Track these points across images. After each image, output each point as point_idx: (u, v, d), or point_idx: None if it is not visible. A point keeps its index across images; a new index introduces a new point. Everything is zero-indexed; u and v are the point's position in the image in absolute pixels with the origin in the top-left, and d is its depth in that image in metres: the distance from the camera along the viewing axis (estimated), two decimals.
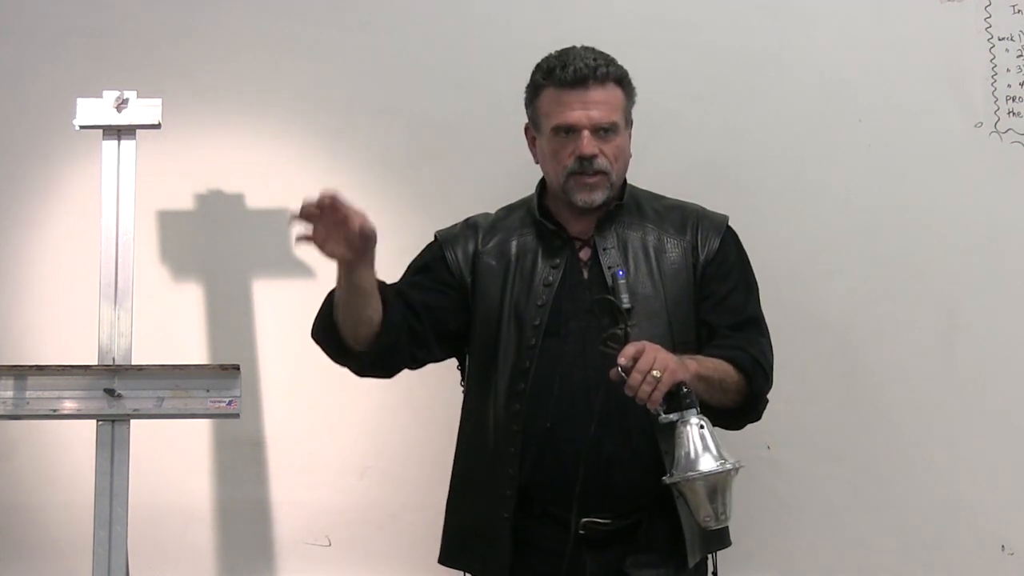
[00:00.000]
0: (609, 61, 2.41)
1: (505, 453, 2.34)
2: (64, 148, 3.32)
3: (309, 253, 3.37)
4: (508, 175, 3.22)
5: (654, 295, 2.37)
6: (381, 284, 2.33)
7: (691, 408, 2.13)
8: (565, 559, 2.28)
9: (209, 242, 3.36)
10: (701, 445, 2.11)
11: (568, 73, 2.35)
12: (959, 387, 3.29)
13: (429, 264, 2.49)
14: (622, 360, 2.15)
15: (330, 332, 2.33)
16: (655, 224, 2.46)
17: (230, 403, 2.85)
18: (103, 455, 2.83)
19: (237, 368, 2.86)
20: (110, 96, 2.96)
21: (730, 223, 2.56)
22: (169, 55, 3.38)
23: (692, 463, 2.09)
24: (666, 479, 2.10)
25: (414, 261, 2.54)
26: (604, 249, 2.41)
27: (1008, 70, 3.36)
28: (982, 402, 3.28)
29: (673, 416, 2.13)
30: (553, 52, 2.46)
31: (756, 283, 2.54)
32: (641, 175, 3.29)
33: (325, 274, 3.33)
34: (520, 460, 2.32)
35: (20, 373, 2.86)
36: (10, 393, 2.85)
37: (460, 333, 2.47)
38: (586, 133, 2.36)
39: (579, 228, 2.45)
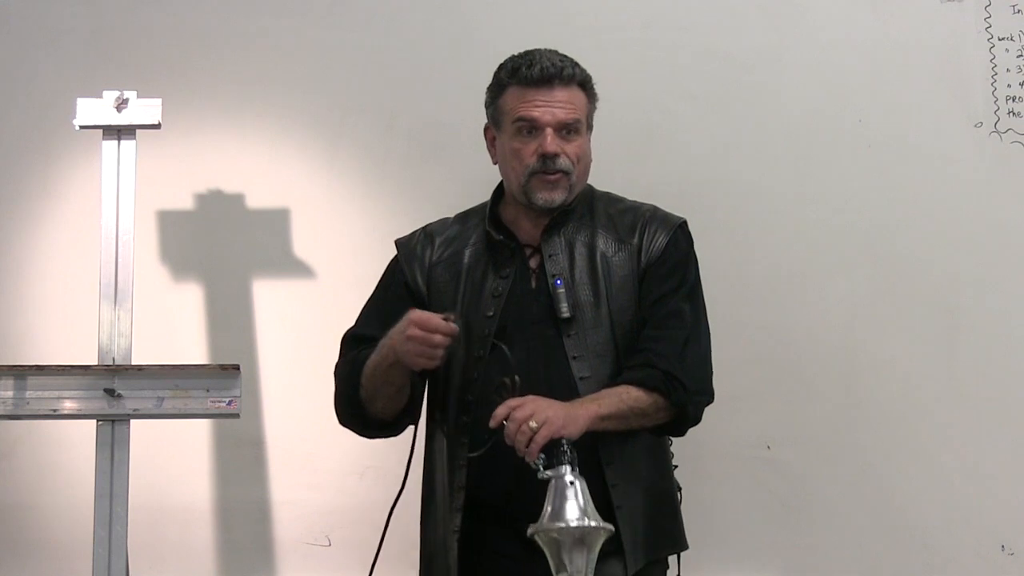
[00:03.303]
0: (574, 64, 2.41)
1: (455, 464, 2.35)
2: (64, 148, 3.32)
3: (309, 253, 3.41)
4: None
5: (596, 303, 2.34)
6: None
7: (567, 464, 2.06)
8: (519, 563, 2.28)
9: (209, 242, 3.36)
10: (569, 501, 2.04)
11: (534, 72, 2.36)
12: (959, 387, 3.29)
13: (390, 286, 2.50)
14: (501, 410, 2.15)
15: (356, 410, 2.36)
16: (605, 228, 2.42)
17: (230, 403, 2.85)
18: (103, 455, 2.83)
19: (237, 368, 2.85)
20: (110, 96, 2.96)
21: (685, 224, 2.50)
22: (169, 55, 3.38)
23: (554, 516, 2.03)
24: (529, 530, 2.05)
25: (378, 285, 2.54)
26: (550, 256, 2.38)
27: (1008, 70, 3.36)
28: (982, 402, 3.28)
29: (549, 472, 2.07)
30: (517, 53, 2.47)
31: (697, 282, 2.47)
32: (641, 175, 3.30)
33: (325, 274, 3.35)
34: (467, 472, 2.32)
35: (20, 373, 2.85)
36: (10, 393, 2.84)
37: None
38: (549, 131, 2.35)
39: (530, 235, 2.43)
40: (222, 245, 3.36)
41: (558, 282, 2.33)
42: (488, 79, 3.39)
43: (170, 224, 3.36)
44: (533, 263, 2.40)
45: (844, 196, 3.35)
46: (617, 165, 3.35)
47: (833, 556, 3.28)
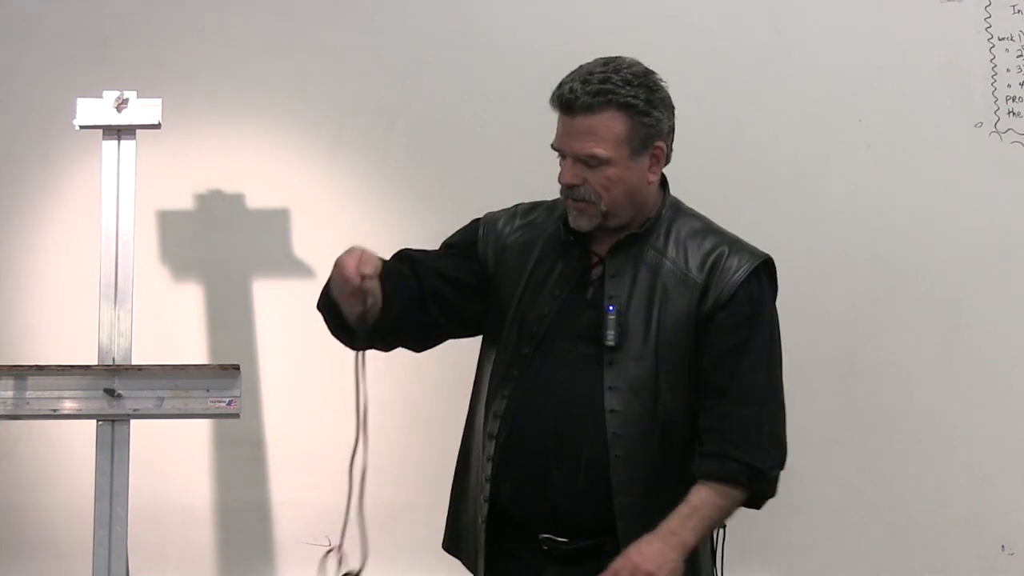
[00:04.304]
0: (605, 91, 2.18)
1: (483, 457, 2.32)
2: (64, 148, 3.32)
3: (309, 253, 3.41)
4: (509, 175, 3.23)
5: (646, 334, 2.24)
6: (388, 268, 2.23)
7: None
8: (532, 568, 2.27)
9: (209, 242, 3.36)
10: None
11: (556, 96, 2.24)
12: (959, 387, 3.29)
13: (460, 246, 2.41)
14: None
15: (332, 309, 2.29)
16: (675, 257, 2.28)
17: (230, 403, 2.85)
18: (103, 455, 2.83)
19: (237, 368, 2.86)
20: (110, 96, 2.96)
21: (769, 263, 2.34)
22: (169, 55, 3.38)
23: None
24: None
25: (452, 235, 2.45)
26: (612, 276, 2.28)
27: (1008, 70, 3.36)
28: (982, 402, 3.29)
29: None
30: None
31: (772, 338, 2.35)
32: None
33: (325, 274, 3.33)
34: (492, 467, 2.30)
35: (20, 373, 2.86)
36: (10, 393, 2.85)
37: (470, 320, 2.40)
38: (568, 161, 2.23)
39: (601, 244, 2.32)
40: (222, 245, 3.36)
41: (611, 308, 2.23)
42: (488, 79, 3.41)
43: (170, 224, 3.36)
44: (595, 273, 2.31)
45: (844, 196, 3.35)
46: None
47: (833, 556, 3.28)
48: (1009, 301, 3.31)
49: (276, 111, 3.39)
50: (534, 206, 2.44)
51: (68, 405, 2.86)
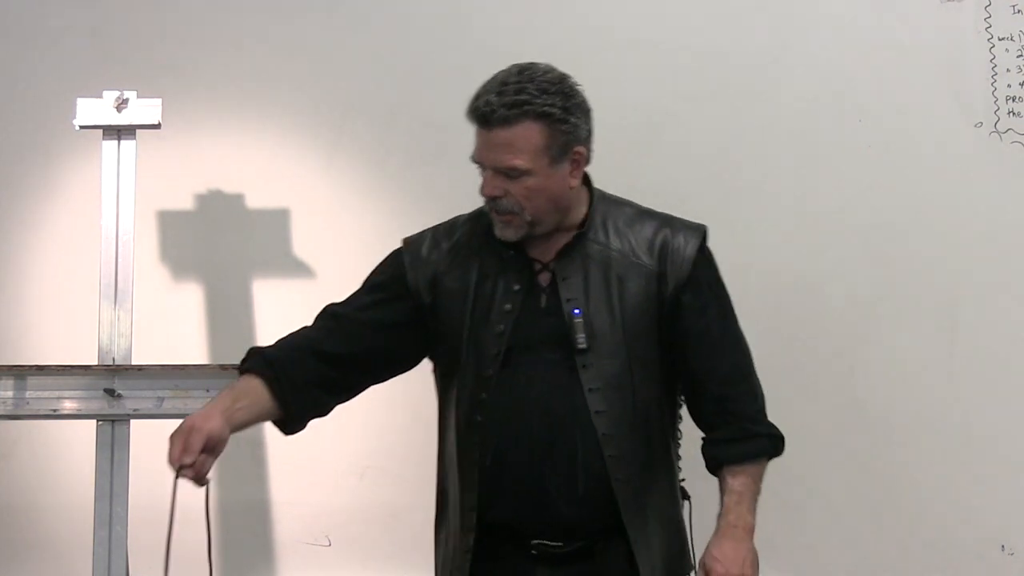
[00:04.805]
0: (520, 102, 2.16)
1: (466, 484, 2.30)
2: (64, 148, 3.32)
3: (309, 253, 3.41)
4: None
5: (612, 330, 2.24)
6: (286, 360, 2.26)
7: None
8: (521, 571, 2.27)
9: (209, 242, 3.37)
10: None
11: (471, 109, 2.21)
12: (959, 387, 3.29)
13: (387, 283, 2.37)
14: None
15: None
16: (621, 247, 2.30)
17: None
18: (103, 455, 2.83)
19: (237, 368, 2.85)
20: (110, 96, 2.96)
21: (706, 237, 2.36)
22: (169, 55, 3.38)
23: None
24: None
25: (376, 271, 2.42)
26: (564, 279, 2.27)
27: (1008, 70, 3.36)
28: (982, 402, 3.28)
29: None
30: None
31: (730, 303, 2.38)
32: (641, 175, 3.30)
33: (325, 274, 3.35)
34: (478, 491, 2.28)
35: (20, 373, 2.86)
36: (10, 393, 2.85)
37: (407, 357, 2.39)
38: (488, 173, 2.22)
39: (540, 250, 2.31)
40: (222, 245, 3.36)
41: (576, 311, 2.23)
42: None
43: (170, 224, 3.36)
44: (543, 279, 2.30)
45: (844, 196, 3.35)
46: (617, 165, 3.35)
47: (833, 556, 3.28)
48: (1009, 301, 3.31)
49: (276, 111, 3.39)
50: (452, 225, 2.41)
51: (68, 405, 2.86)
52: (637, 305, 2.27)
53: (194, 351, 3.28)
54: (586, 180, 2.33)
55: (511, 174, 2.19)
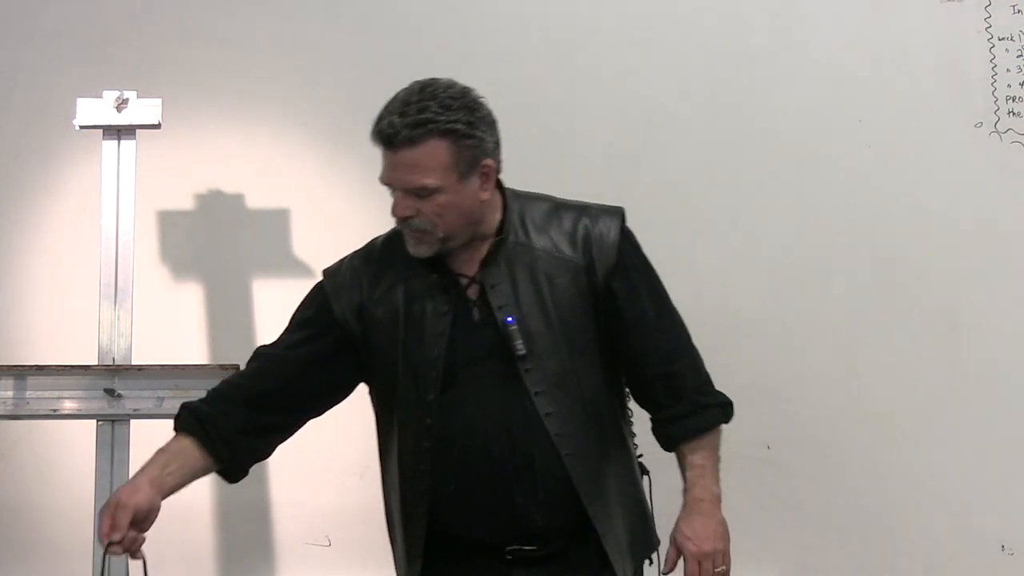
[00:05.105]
0: (424, 121, 2.15)
1: (415, 512, 2.29)
2: (64, 148, 3.32)
3: (309, 253, 3.41)
4: (508, 174, 3.22)
5: (549, 330, 2.23)
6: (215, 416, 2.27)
7: None
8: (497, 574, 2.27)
9: (209, 242, 3.37)
10: None
11: (376, 131, 2.18)
12: (959, 387, 3.29)
13: (313, 318, 2.37)
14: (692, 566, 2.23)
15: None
16: (543, 245, 2.28)
17: None
18: (103, 455, 2.83)
19: (237, 368, 2.85)
20: (110, 96, 2.96)
21: (625, 219, 2.33)
22: (169, 55, 3.39)
23: None
24: None
25: (300, 308, 2.42)
26: (492, 287, 2.24)
27: (1008, 70, 3.36)
28: (982, 402, 3.29)
29: None
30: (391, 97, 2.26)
31: (659, 280, 2.35)
32: (642, 175, 3.31)
33: None
34: (429, 519, 2.27)
35: (20, 373, 2.86)
36: (10, 393, 2.85)
37: (349, 384, 2.37)
38: (399, 194, 2.21)
39: (463, 263, 2.27)
40: (222, 245, 3.36)
41: (510, 320, 2.21)
42: (489, 79, 3.38)
43: (170, 224, 3.36)
44: (471, 293, 2.26)
45: (844, 196, 3.35)
46: (617, 165, 3.36)
47: (833, 556, 3.28)
48: (1009, 301, 3.31)
49: (276, 111, 3.39)
50: (370, 250, 2.40)
51: (68, 405, 2.86)
52: (569, 301, 2.26)
53: (194, 351, 3.28)
54: (498, 184, 2.31)
55: (421, 193, 2.18)
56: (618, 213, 2.33)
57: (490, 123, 2.23)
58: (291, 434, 2.40)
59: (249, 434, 2.32)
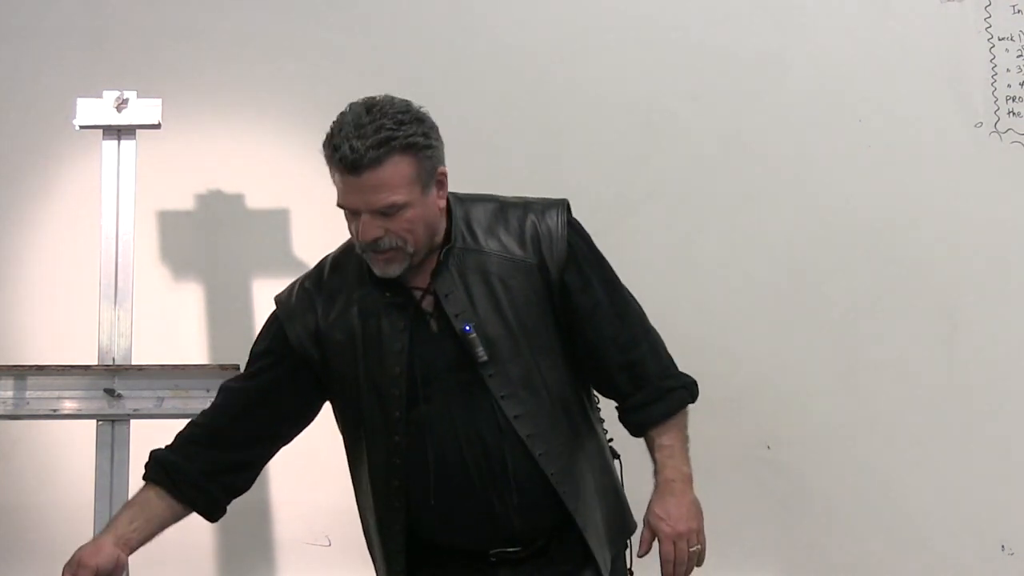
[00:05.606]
0: (385, 139, 2.16)
1: (392, 530, 2.29)
2: (64, 148, 3.32)
3: (309, 253, 3.40)
4: (508, 174, 3.22)
5: (507, 333, 2.23)
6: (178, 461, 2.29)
7: None
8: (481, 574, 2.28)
9: (209, 242, 3.36)
10: None
11: (337, 159, 2.18)
12: (959, 387, 3.29)
13: (270, 348, 2.35)
14: (667, 547, 2.21)
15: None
16: (493, 248, 2.28)
17: None
18: (103, 455, 2.83)
19: (237, 368, 2.85)
20: (110, 96, 2.96)
21: (570, 211, 2.32)
22: (169, 55, 3.38)
23: None
24: None
25: (257, 340, 2.40)
26: (446, 296, 2.23)
27: (1008, 70, 3.36)
28: (982, 402, 3.29)
29: None
30: (336, 120, 2.27)
31: (610, 267, 2.34)
32: (642, 175, 3.31)
33: None
34: (406, 535, 2.28)
35: (20, 373, 2.86)
36: (10, 393, 2.85)
37: (312, 408, 2.39)
38: (365, 217, 2.19)
39: (415, 276, 2.26)
40: (222, 245, 3.36)
41: (467, 328, 2.21)
42: (488, 79, 3.40)
43: (170, 224, 3.36)
44: (427, 305, 2.25)
45: (844, 196, 3.35)
46: (617, 165, 3.36)
47: (833, 556, 3.28)
48: (1009, 301, 3.31)
49: (276, 111, 3.39)
50: (320, 271, 2.39)
51: (68, 405, 2.86)
52: (526, 301, 2.26)
53: (194, 351, 3.28)
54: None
55: (389, 211, 2.17)
56: (563, 205, 2.32)
57: (437, 131, 2.26)
58: (263, 465, 2.43)
59: (218, 473, 2.34)
